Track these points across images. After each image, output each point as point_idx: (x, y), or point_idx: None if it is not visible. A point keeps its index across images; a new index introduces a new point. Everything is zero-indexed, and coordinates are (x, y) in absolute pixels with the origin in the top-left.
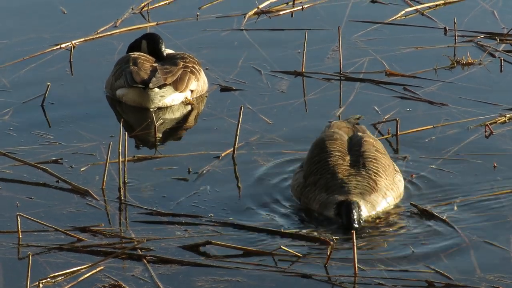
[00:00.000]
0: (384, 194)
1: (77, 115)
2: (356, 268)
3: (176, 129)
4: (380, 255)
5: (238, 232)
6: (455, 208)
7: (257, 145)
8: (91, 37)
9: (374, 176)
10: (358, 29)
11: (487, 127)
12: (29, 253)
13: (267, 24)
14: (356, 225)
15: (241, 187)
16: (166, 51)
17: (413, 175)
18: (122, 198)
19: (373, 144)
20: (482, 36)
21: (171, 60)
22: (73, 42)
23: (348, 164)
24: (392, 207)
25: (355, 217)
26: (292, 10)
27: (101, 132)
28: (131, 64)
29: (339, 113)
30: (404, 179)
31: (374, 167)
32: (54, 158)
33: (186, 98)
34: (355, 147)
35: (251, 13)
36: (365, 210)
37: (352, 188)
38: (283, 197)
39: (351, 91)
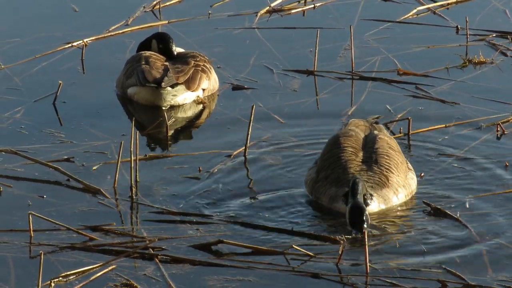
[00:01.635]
0: (396, 190)
1: (89, 113)
2: (368, 267)
3: (188, 127)
4: (392, 254)
5: (249, 231)
6: (467, 206)
7: (269, 144)
8: (102, 36)
9: (386, 172)
10: (370, 27)
11: (499, 126)
12: (40, 252)
13: (279, 23)
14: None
15: (253, 186)
16: (177, 50)
17: (422, 174)
18: (134, 197)
19: (387, 141)
20: (494, 35)
21: (182, 59)
22: (84, 40)
23: (361, 160)
24: (403, 204)
25: (359, 191)
26: (304, 8)
27: (113, 131)
28: (143, 63)
29: (351, 112)
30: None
31: (386, 163)
32: (65, 157)
33: (198, 97)
34: (369, 144)
35: (263, 11)
36: (376, 202)
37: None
38: (295, 196)
39: (363, 90)
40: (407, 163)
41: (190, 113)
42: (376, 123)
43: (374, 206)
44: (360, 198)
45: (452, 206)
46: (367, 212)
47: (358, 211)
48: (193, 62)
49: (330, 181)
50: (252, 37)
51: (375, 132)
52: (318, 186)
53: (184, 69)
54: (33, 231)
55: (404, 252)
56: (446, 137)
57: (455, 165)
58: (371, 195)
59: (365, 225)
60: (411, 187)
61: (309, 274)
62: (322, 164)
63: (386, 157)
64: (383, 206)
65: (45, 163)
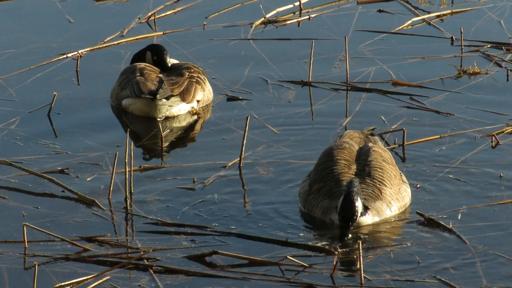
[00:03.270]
0: (389, 203)
1: (84, 124)
2: (362, 278)
3: (183, 138)
4: (386, 265)
5: (244, 242)
6: (460, 216)
7: (264, 154)
8: (97, 47)
9: (379, 184)
10: (364, 38)
11: (493, 137)
12: (35, 263)
13: (274, 34)
14: (358, 213)
15: (247, 197)
16: (171, 61)
17: (418, 186)
18: (128, 208)
19: (381, 154)
20: (489, 46)
21: (176, 71)
22: (79, 51)
23: (354, 173)
24: (397, 215)
25: (355, 190)
26: (299, 19)
27: (108, 142)
28: (137, 74)
29: (345, 123)
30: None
31: (379, 176)
32: (60, 168)
33: (192, 108)
34: (363, 156)
35: (258, 22)
36: (371, 219)
37: None
38: (289, 207)
39: (357, 101)
40: (401, 175)
41: (184, 124)
42: (372, 134)
43: (368, 218)
44: (354, 192)
45: (446, 216)
46: (359, 204)
47: (349, 201)
48: (187, 73)
49: (322, 194)
50: (247, 48)
51: (370, 144)
52: (311, 198)
53: (178, 81)
54: (27, 242)
55: (399, 263)
56: (441, 148)
57: (450, 175)
58: (367, 207)
59: (354, 217)
60: (404, 200)
61: (304, 285)
62: (315, 176)
63: (379, 170)
64: (377, 219)
65: (40, 174)
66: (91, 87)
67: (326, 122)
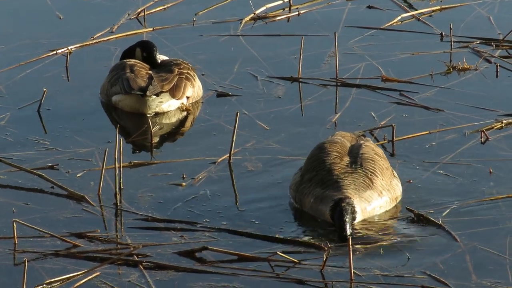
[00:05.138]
0: (380, 192)
1: (74, 120)
2: (352, 273)
3: (172, 135)
4: (376, 261)
5: (234, 238)
6: (451, 212)
7: (253, 151)
8: (87, 43)
9: (371, 175)
10: (354, 34)
11: (483, 133)
12: (25, 259)
13: (264, 30)
14: (348, 232)
15: (237, 193)
16: (161, 57)
17: (410, 181)
18: (118, 204)
19: (373, 148)
20: (478, 42)
21: (166, 67)
22: (69, 47)
23: (346, 164)
24: (387, 211)
25: (347, 223)
26: (288, 15)
27: (97, 138)
28: (127, 71)
29: (335, 119)
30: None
31: (371, 167)
32: (50, 164)
33: (182, 104)
34: (355, 150)
35: (247, 18)
36: (360, 210)
37: (347, 184)
38: (279, 203)
39: (347, 97)
40: (392, 171)
41: (174, 120)
42: (363, 135)
43: (358, 217)
44: (347, 225)
45: (436, 212)
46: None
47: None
48: (177, 70)
49: (315, 182)
50: (236, 44)
51: (361, 141)
52: (302, 188)
53: (168, 77)
54: (17, 238)
55: (388, 259)
56: (430, 143)
57: (439, 171)
58: (354, 208)
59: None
60: (396, 192)
61: (294, 280)
62: (307, 167)
63: (371, 162)
64: (368, 209)
65: (30, 170)
66: (81, 84)
67: (316, 118)
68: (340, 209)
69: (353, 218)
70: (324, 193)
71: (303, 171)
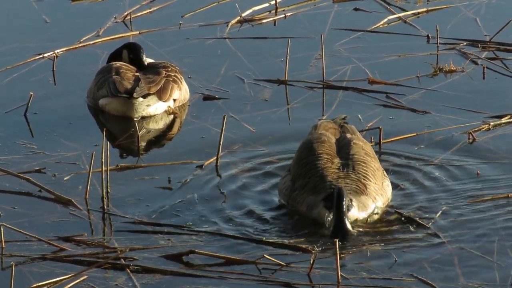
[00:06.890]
0: (374, 198)
1: (60, 124)
2: (339, 276)
3: (159, 138)
4: (363, 263)
5: (221, 241)
6: (438, 214)
7: (240, 153)
8: (74, 46)
9: (364, 179)
10: (341, 37)
11: (470, 134)
12: (12, 263)
13: (250, 33)
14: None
15: (224, 196)
16: (147, 60)
17: (402, 185)
18: (105, 207)
19: (363, 147)
20: (465, 44)
21: (153, 69)
22: (56, 51)
23: (337, 167)
24: (377, 214)
25: (345, 205)
26: (275, 18)
27: (84, 142)
28: (113, 73)
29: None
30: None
31: (363, 171)
32: (37, 168)
33: (169, 107)
34: (344, 149)
35: (234, 21)
36: (356, 208)
37: None
38: (266, 206)
39: (334, 99)
40: (383, 170)
41: (161, 123)
42: (346, 123)
43: (354, 212)
44: (345, 215)
45: (424, 214)
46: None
47: (342, 223)
48: (164, 72)
49: (307, 190)
50: (223, 47)
51: (348, 136)
52: (295, 195)
53: (155, 80)
54: (4, 242)
55: (376, 261)
56: (417, 146)
57: (427, 174)
58: (351, 199)
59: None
60: (387, 194)
61: (281, 283)
62: (298, 171)
63: (363, 164)
64: (363, 214)
65: (17, 174)
66: (68, 87)
67: (303, 120)
68: (339, 190)
69: (350, 204)
70: (316, 199)
71: (294, 175)
